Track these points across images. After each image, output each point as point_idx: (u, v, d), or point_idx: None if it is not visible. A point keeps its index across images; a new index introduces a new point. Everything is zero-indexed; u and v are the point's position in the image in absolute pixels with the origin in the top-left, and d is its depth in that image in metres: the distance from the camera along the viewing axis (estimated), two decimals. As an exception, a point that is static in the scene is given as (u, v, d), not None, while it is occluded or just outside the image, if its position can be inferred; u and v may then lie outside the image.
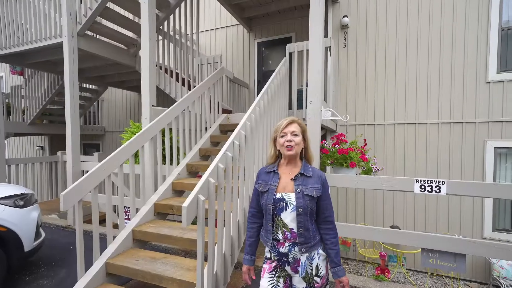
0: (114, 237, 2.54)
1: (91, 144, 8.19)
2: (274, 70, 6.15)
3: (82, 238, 2.23)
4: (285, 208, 1.41)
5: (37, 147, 8.96)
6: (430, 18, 4.62)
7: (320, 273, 1.42)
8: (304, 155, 1.54)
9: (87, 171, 5.04)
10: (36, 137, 8.97)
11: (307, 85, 4.02)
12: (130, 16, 5.08)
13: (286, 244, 1.42)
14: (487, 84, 4.32)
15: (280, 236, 1.43)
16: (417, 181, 2.38)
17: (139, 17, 4.81)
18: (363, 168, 2.76)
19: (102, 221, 4.60)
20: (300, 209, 1.38)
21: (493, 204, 4.33)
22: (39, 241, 2.88)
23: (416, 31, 4.70)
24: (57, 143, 8.38)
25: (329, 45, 3.69)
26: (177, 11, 4.66)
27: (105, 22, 4.82)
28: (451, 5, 4.50)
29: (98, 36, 4.80)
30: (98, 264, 2.29)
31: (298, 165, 1.51)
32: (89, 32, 4.54)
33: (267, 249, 1.53)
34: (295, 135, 1.47)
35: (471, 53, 4.40)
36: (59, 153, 5.91)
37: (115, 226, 4.64)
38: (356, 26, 5.08)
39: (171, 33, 4.66)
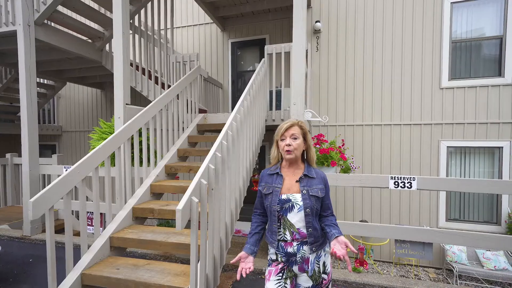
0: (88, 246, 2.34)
1: (45, 145, 7.40)
2: (249, 70, 6.27)
3: (54, 248, 2.02)
4: (291, 208, 1.43)
5: (-24, 149, 7.85)
6: (394, 29, 5.04)
7: (327, 269, 1.46)
8: (305, 156, 1.55)
9: (44, 175, 4.59)
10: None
11: (285, 87, 4.14)
12: (96, 6, 4.71)
13: (294, 244, 1.43)
14: (440, 90, 4.84)
15: (288, 237, 1.44)
16: (391, 178, 2.58)
17: (106, 8, 4.52)
18: (342, 167, 2.92)
19: (60, 230, 4.23)
20: (307, 209, 1.40)
21: (445, 197, 4.87)
22: (-6, 256, 2.54)
23: (381, 40, 5.09)
24: (2, 144, 7.43)
25: (306, 48, 3.82)
26: (149, 5, 4.45)
27: (67, 12, 4.41)
28: (410, 18, 4.96)
29: (59, 27, 4.37)
30: (72, 276, 2.09)
31: (301, 166, 1.52)
32: (49, 22, 4.12)
33: (272, 250, 1.52)
34: (295, 138, 1.47)
35: (428, 62, 4.90)
36: (8, 155, 5.25)
37: (77, 234, 4.27)
38: (328, 31, 5.34)
39: (143, 28, 4.43)
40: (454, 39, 4.85)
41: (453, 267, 4.33)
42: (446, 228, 4.74)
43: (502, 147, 4.62)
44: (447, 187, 2.57)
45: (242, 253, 1.49)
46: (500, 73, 4.66)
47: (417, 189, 2.51)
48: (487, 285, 4.22)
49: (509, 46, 4.59)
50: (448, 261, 4.52)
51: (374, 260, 4.92)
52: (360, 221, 4.96)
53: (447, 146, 4.83)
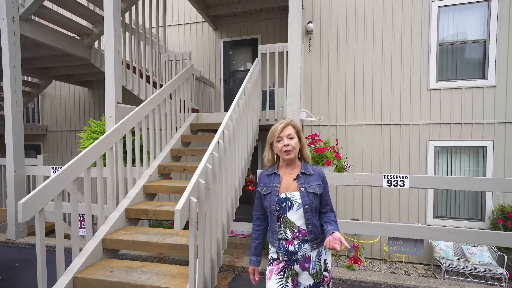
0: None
1: (30, 146, 7.13)
2: (241, 70, 6.26)
3: (44, 252, 1.95)
4: (290, 207, 1.44)
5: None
6: (384, 31, 5.15)
7: (328, 267, 1.47)
8: (300, 154, 1.57)
9: (29, 176, 4.42)
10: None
11: (278, 86, 4.16)
12: (85, 2, 4.58)
13: (296, 242, 1.44)
14: (428, 91, 4.99)
15: (289, 235, 1.44)
16: (384, 176, 2.63)
17: (95, 5, 4.40)
18: (336, 166, 2.96)
19: (48, 233, 4.08)
20: (306, 206, 1.42)
21: (433, 195, 5.01)
22: (-22, 261, 2.42)
23: (372, 41, 5.19)
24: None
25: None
26: (140, 2, 4.36)
27: (54, 7, 4.27)
28: (399, 21, 5.08)
29: (45, 23, 4.22)
30: (63, 280, 2.02)
31: (298, 165, 1.54)
32: (35, 18, 3.98)
33: (272, 249, 1.52)
34: (291, 138, 1.49)
35: (416, 64, 5.03)
36: (-10, 156, 5.04)
37: (67, 237, 4.14)
38: (320, 32, 5.40)
39: (134, 26, 4.35)
40: (441, 41, 5.01)
41: (441, 263, 4.46)
42: (433, 225, 4.88)
43: (486, 146, 4.80)
44: (439, 185, 2.64)
45: (250, 269, 1.61)
46: (484, 75, 4.84)
47: (409, 187, 2.57)
48: (472, 280, 4.38)
49: (492, 50, 4.78)
50: (436, 257, 4.66)
51: (365, 258, 5.01)
52: (352, 219, 5.04)
53: (435, 146, 4.98)
